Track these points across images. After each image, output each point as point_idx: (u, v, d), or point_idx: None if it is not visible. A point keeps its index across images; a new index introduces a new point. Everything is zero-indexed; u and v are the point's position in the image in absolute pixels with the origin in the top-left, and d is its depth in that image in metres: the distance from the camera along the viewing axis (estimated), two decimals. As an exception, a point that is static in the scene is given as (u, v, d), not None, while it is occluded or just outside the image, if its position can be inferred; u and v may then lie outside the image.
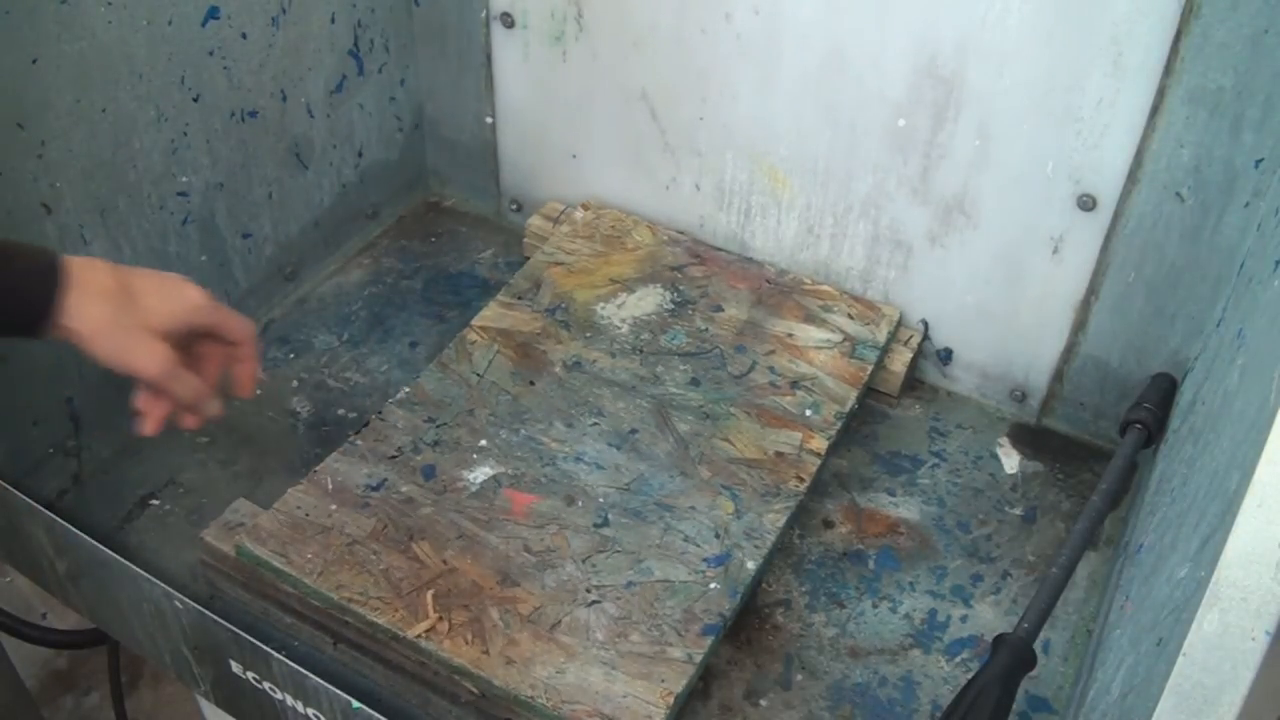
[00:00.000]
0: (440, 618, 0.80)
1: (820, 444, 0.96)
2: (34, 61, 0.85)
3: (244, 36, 1.02)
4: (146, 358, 0.72)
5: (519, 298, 1.10)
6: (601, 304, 1.09)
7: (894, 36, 0.96)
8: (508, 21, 1.16)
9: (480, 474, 0.92)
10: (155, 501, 0.97)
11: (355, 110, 1.19)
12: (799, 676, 0.86)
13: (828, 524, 0.98)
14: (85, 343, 0.70)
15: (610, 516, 0.89)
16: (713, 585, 0.84)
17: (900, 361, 1.08)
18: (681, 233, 1.19)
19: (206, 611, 0.77)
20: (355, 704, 0.73)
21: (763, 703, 0.84)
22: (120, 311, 0.71)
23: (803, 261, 1.14)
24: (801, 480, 0.93)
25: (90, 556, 0.83)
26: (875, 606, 0.91)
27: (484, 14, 1.17)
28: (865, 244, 1.09)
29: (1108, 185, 0.93)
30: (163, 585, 0.79)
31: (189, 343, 0.76)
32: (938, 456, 1.04)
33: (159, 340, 0.72)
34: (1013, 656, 0.75)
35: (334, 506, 0.88)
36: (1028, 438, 1.07)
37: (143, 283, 0.73)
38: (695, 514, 0.89)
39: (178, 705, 1.63)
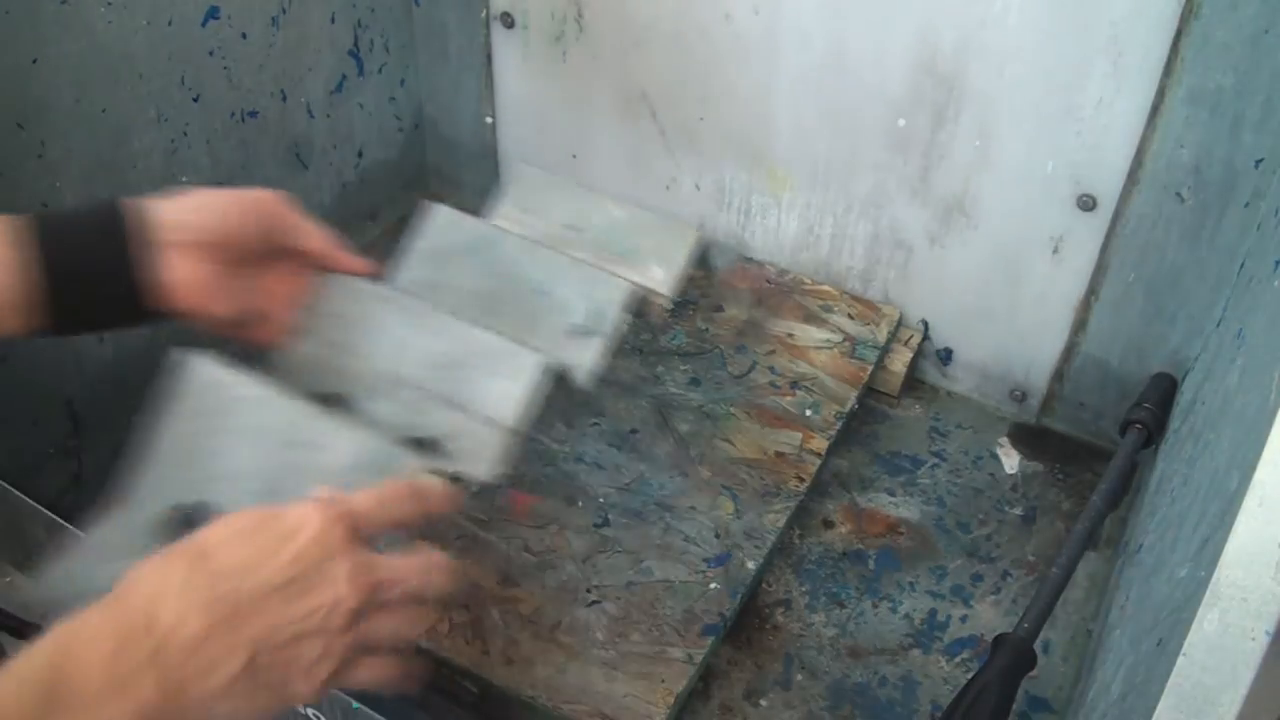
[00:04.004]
0: (440, 618, 0.80)
1: (820, 444, 0.96)
2: (34, 61, 0.85)
3: (244, 36, 1.02)
4: None
5: (519, 298, 1.09)
6: (601, 304, 1.09)
7: (894, 36, 0.96)
8: (508, 21, 1.16)
9: (480, 474, 0.92)
10: (155, 501, 0.97)
11: (355, 110, 1.19)
12: (799, 676, 0.86)
13: (828, 524, 0.98)
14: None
15: (610, 516, 0.89)
16: (713, 585, 0.84)
17: (900, 361, 1.08)
18: (681, 233, 1.19)
19: (206, 611, 0.77)
20: (355, 704, 0.73)
21: (763, 703, 0.84)
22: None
23: (803, 261, 1.14)
24: (801, 480, 0.93)
25: (90, 556, 0.83)
26: (875, 606, 0.91)
27: (484, 14, 1.17)
28: (865, 244, 1.09)
29: (1108, 185, 0.93)
30: (163, 585, 0.78)
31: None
32: (938, 456, 1.04)
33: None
34: (1013, 656, 0.74)
35: (334, 506, 0.88)
36: (1028, 438, 1.07)
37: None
38: (695, 514, 0.89)
39: (178, 705, 1.62)
